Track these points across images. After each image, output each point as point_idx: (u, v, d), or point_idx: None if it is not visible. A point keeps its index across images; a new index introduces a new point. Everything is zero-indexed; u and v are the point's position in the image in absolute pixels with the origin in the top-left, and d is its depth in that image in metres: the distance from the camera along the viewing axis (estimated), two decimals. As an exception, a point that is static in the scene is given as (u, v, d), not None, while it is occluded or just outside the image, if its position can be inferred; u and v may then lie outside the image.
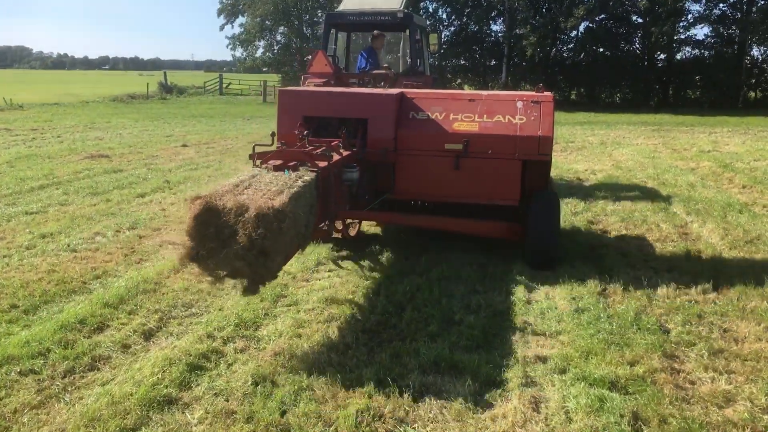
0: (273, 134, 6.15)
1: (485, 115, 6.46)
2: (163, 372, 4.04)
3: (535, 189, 6.53)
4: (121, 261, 6.45)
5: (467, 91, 7.55)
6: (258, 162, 5.46)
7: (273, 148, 5.79)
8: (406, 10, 9.94)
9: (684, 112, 31.27)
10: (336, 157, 5.62)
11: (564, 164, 13.25)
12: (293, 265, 6.31)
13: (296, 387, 3.92)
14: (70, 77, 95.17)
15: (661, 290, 5.72)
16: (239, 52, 42.94)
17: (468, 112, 6.53)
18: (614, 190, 10.17)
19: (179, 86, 46.92)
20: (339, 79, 9.01)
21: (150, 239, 7.26)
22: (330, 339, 4.63)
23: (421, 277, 6.01)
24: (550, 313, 5.20)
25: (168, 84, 45.81)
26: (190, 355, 4.29)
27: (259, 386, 3.94)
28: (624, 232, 7.78)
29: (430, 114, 6.54)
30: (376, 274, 6.11)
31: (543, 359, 4.37)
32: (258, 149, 5.72)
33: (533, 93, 6.65)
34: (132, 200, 9.26)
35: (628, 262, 6.57)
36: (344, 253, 6.87)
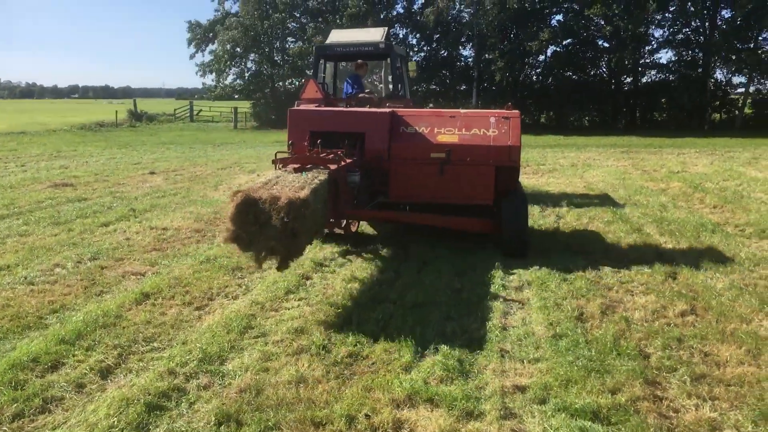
0: (291, 144, 7.45)
1: (464, 129, 7.68)
2: (120, 414, 3.79)
3: (506, 190, 7.68)
4: (80, 293, 6.16)
5: (447, 110, 8.87)
6: (279, 165, 6.88)
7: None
8: (387, 41, 10.98)
9: (651, 134, 31.68)
10: (344, 160, 6.88)
11: (536, 186, 13.21)
12: (261, 294, 6.11)
13: (262, 426, 3.70)
14: (38, 106, 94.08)
15: (639, 313, 5.61)
16: (209, 80, 42.75)
17: (449, 126, 7.74)
18: (587, 212, 10.10)
19: (149, 114, 46.48)
20: (329, 104, 9.68)
21: (112, 270, 6.98)
22: (299, 373, 4.41)
23: (395, 304, 5.83)
24: (527, 339, 5.04)
25: (138, 111, 45.31)
26: (149, 394, 4.03)
27: (222, 426, 3.72)
28: (598, 254, 7.68)
29: (417, 128, 7.75)
30: (348, 302, 5.90)
31: (522, 389, 4.20)
32: (279, 155, 7.16)
33: (504, 111, 7.92)
34: (95, 229, 8.95)
35: (604, 284, 6.46)
36: (315, 279, 6.67)
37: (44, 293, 6.13)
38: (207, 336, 5.03)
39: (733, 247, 7.86)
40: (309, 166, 6.53)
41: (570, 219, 9.66)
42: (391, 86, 11.69)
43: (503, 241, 7.66)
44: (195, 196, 12.03)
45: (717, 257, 7.38)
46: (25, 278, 6.58)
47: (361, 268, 7.09)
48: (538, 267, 7.01)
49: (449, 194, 7.68)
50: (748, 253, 7.54)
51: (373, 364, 4.63)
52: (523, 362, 4.63)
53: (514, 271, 6.98)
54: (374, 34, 11.44)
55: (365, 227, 9.29)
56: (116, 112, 41.67)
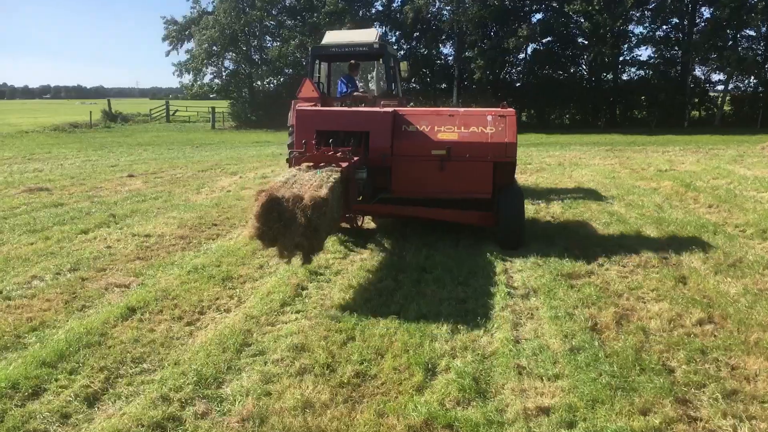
0: (304, 143, 7.57)
1: (463, 127, 8.01)
2: (111, 450, 3.43)
3: (503, 185, 8.03)
4: (61, 309, 5.76)
5: (446, 108, 9.71)
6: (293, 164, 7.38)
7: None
8: (381, 42, 11.30)
9: (632, 131, 31.74)
10: (352, 158, 7.27)
11: (527, 186, 12.95)
12: (255, 306, 5.76)
13: (270, 461, 3.36)
14: (9, 107, 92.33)
15: (655, 323, 5.35)
16: (186, 79, 41.99)
17: (449, 124, 8.08)
18: (583, 214, 9.86)
19: (124, 114, 45.62)
20: (324, 102, 9.98)
21: (94, 282, 6.57)
22: (304, 396, 4.07)
23: (398, 316, 5.50)
24: (543, 353, 4.74)
25: (112, 112, 44.46)
26: (142, 425, 3.69)
27: (226, 462, 3.37)
28: (603, 257, 7.41)
29: (418, 127, 8.07)
30: (348, 314, 5.57)
31: (546, 410, 3.90)
32: (294, 155, 7.64)
33: (500, 109, 8.22)
34: (74, 237, 8.51)
35: (613, 291, 6.19)
36: (311, 289, 6.32)
37: (22, 309, 5.72)
38: (201, 355, 4.67)
39: (737, 249, 7.65)
40: (322, 164, 7.00)
41: (566, 221, 9.41)
42: (384, 85, 12.08)
43: (501, 233, 8.00)
44: (177, 200, 11.60)
45: (724, 260, 7.16)
46: (1, 292, 6.16)
47: (357, 276, 6.75)
48: (541, 273, 6.75)
49: (450, 189, 8.01)
50: (755, 256, 7.33)
51: (382, 384, 4.30)
52: (542, 380, 4.33)
53: (517, 277, 6.71)
54: (368, 35, 11.89)
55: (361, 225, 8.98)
56: (90, 112, 40.74)
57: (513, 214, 7.92)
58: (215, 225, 9.40)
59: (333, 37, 12.04)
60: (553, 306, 5.74)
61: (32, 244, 8.13)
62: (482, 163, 7.88)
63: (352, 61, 11.67)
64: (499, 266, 7.05)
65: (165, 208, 10.65)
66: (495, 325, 5.32)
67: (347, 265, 7.24)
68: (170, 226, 9.15)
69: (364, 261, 7.37)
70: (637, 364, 4.51)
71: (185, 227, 9.13)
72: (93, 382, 4.28)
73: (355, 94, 11.00)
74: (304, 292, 6.23)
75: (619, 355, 4.66)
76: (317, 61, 11.95)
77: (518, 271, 6.93)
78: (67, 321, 5.45)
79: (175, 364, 4.58)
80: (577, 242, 8.14)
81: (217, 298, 6.07)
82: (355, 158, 7.44)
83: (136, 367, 4.57)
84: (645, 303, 5.90)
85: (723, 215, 9.83)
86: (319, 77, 12.11)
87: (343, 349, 4.83)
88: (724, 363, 4.58)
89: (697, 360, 4.62)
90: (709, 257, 7.30)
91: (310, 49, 12.40)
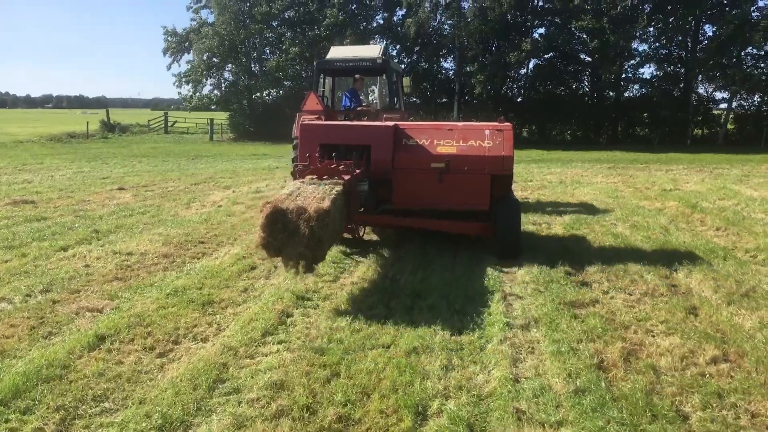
0: (308, 156, 7.95)
1: (461, 141, 8.23)
2: None
3: (501, 196, 8.25)
4: (25, 336, 5.34)
5: (445, 122, 9.78)
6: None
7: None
8: (384, 57, 11.77)
9: (634, 149, 31.38)
10: (354, 171, 7.51)
11: (527, 205, 12.57)
12: (235, 335, 5.35)
13: None
14: (10, 115, 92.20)
15: (666, 360, 4.94)
16: (185, 90, 41.68)
17: (448, 138, 8.30)
18: (587, 236, 9.45)
19: (122, 125, 45.25)
20: (328, 116, 10.28)
21: (65, 305, 6.15)
22: (279, 445, 3.65)
23: (387, 350, 5.09)
24: (544, 395, 4.33)
25: (111, 122, 44.13)
26: (93, 481, 3.26)
27: None
28: (607, 285, 7.01)
29: (418, 141, 8.29)
30: (334, 347, 5.15)
31: (548, 466, 3.48)
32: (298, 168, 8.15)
33: (497, 123, 8.38)
34: (52, 255, 8.10)
35: (619, 323, 5.78)
36: (296, 316, 5.91)
37: (-18, 335, 5.31)
38: (169, 393, 4.25)
39: (750, 277, 7.24)
40: (325, 176, 7.20)
41: (568, 243, 9.00)
42: (387, 99, 12.47)
43: (499, 244, 8.21)
44: (165, 215, 11.20)
45: (736, 289, 6.75)
46: (-37, 316, 5.75)
47: (347, 302, 6.33)
48: (543, 301, 6.34)
49: (449, 201, 8.24)
50: (769, 285, 6.93)
51: (367, 430, 3.88)
52: (544, 426, 3.92)
53: (517, 305, 6.30)
54: (372, 51, 12.29)
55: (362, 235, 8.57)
56: (87, 123, 40.38)
57: (510, 225, 8.11)
58: (202, 243, 8.99)
59: (337, 52, 12.43)
60: (555, 339, 5.32)
61: (7, 261, 7.73)
62: (480, 176, 8.09)
63: (357, 76, 11.99)
64: (497, 293, 6.64)
65: (152, 224, 10.24)
66: (492, 361, 4.90)
67: (337, 290, 6.83)
68: (155, 244, 8.74)
69: (355, 285, 6.96)
70: (648, 409, 4.09)
71: (170, 245, 8.73)
72: (47, 424, 3.87)
73: (359, 108, 11.21)
74: (288, 320, 5.82)
75: (628, 398, 4.24)
76: (322, 75, 12.31)
77: (518, 299, 6.52)
78: (30, 350, 5.03)
79: (140, 403, 4.17)
80: (581, 267, 7.74)
81: (195, 325, 5.66)
82: (357, 171, 7.62)
83: (96, 406, 4.15)
84: (654, 337, 5.49)
85: (732, 239, 9.43)
86: (323, 91, 12.45)
87: (325, 388, 4.41)
88: (743, 409, 4.16)
89: (714, 405, 4.20)
90: (720, 286, 6.89)
91: (315, 63, 12.67)
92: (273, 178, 17.06)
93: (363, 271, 7.53)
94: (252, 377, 4.57)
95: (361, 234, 9.35)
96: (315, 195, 6.38)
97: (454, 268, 7.69)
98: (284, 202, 6.07)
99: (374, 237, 9.64)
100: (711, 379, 4.61)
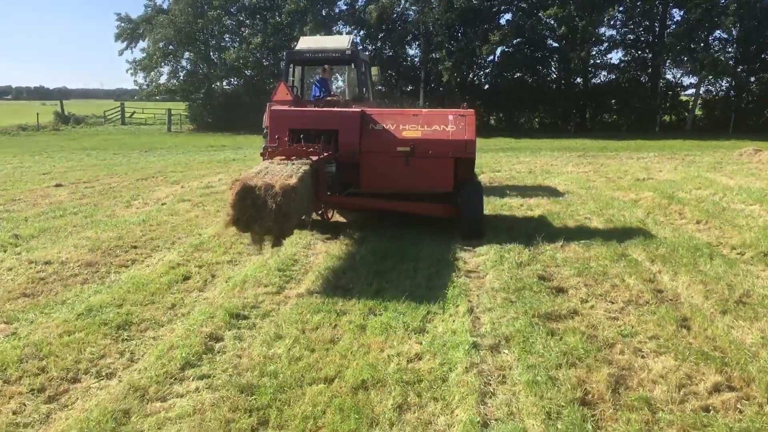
0: (277, 138, 8.28)
1: (426, 126, 8.57)
2: None
3: (464, 179, 8.59)
4: None
5: (410, 109, 10.23)
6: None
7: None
8: (353, 48, 12.23)
9: (602, 136, 30.93)
10: (323, 153, 7.81)
11: (496, 198, 11.79)
12: (149, 367, 4.44)
13: None
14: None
15: (660, 389, 4.17)
16: (141, 78, 40.05)
17: (413, 123, 8.63)
18: (560, 232, 8.68)
19: (77, 116, 43.52)
20: (298, 105, 10.19)
21: (-48, 331, 5.17)
22: None
23: (330, 385, 4.23)
24: (519, 445, 3.51)
25: (65, 113, 42.42)
26: None
27: None
28: (585, 291, 6.23)
29: (384, 125, 8.61)
30: (267, 381, 4.27)
31: None
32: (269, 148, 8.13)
33: (460, 110, 8.77)
34: (-44, 266, 7.08)
35: (603, 340, 5.00)
36: (227, 340, 5.01)
37: None
38: (46, 458, 3.34)
39: (741, 279, 6.51)
40: (293, 157, 7.52)
41: (542, 241, 8.20)
42: (356, 89, 12.83)
43: (462, 224, 8.46)
44: (101, 214, 10.18)
45: (729, 295, 6.01)
46: None
47: (289, 320, 5.45)
48: (515, 313, 5.53)
49: (414, 184, 8.54)
50: (764, 288, 6.21)
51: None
52: (519, 492, 3.10)
53: (485, 319, 5.48)
54: (341, 42, 12.75)
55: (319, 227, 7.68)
56: (37, 114, 38.57)
57: (473, 207, 8.42)
58: (134, 248, 8.02)
59: (307, 42, 12.88)
60: (530, 365, 4.51)
61: None
62: (444, 159, 8.41)
63: (326, 66, 12.29)
64: (463, 304, 5.80)
65: (82, 226, 9.22)
66: (457, 397, 4.07)
67: (280, 303, 5.94)
68: (80, 250, 7.75)
69: (301, 298, 6.06)
70: (647, 463, 3.30)
71: (97, 251, 7.74)
72: None
73: (328, 98, 11.40)
74: (217, 345, 4.92)
75: (622, 448, 3.44)
76: (291, 65, 12.61)
77: (487, 311, 5.70)
78: None
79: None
80: (555, 269, 6.96)
81: (103, 356, 4.73)
82: (326, 153, 7.95)
83: (-52, 479, 3.23)
84: (644, 358, 4.71)
85: (715, 233, 8.74)
86: (293, 81, 12.70)
87: (249, 444, 3.54)
88: (762, 459, 3.39)
89: (726, 455, 3.42)
90: (710, 291, 6.14)
91: (284, 53, 13.01)
92: (227, 172, 16.03)
93: (312, 280, 6.64)
94: (158, 429, 3.68)
95: (329, 216, 9.63)
96: (283, 173, 6.57)
97: (415, 275, 6.84)
98: (253, 179, 6.24)
99: (342, 219, 9.95)
100: (716, 415, 3.85)
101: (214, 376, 4.37)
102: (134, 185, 13.74)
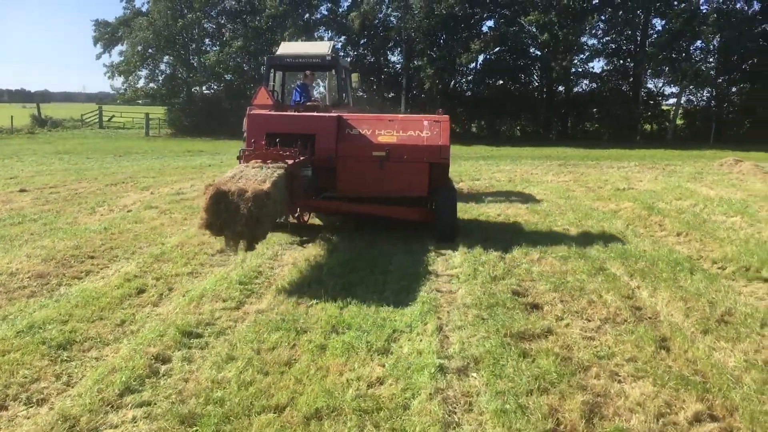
0: (253, 142, 8.26)
1: (401, 131, 8.72)
2: None
3: (439, 184, 8.70)
4: None
5: (386, 114, 9.80)
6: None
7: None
8: (333, 54, 12.23)
9: (584, 144, 30.83)
10: (299, 157, 7.88)
11: (474, 208, 11.50)
12: (85, 393, 4.08)
13: None
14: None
15: (638, 419, 3.90)
16: (118, 82, 39.40)
17: (388, 128, 8.76)
18: (537, 244, 8.38)
19: (54, 119, 42.75)
20: (278, 110, 10.28)
21: None
22: None
23: (281, 414, 3.88)
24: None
25: (42, 117, 41.64)
26: None
27: None
28: (561, 307, 5.93)
29: (360, 130, 8.75)
30: (211, 410, 3.91)
31: None
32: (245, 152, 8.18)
33: (435, 116, 8.96)
34: None
35: (577, 362, 4.70)
36: (175, 361, 4.65)
37: None
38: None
39: (723, 296, 6.25)
40: (269, 161, 7.51)
41: (518, 254, 7.91)
42: (336, 95, 12.92)
43: (437, 228, 8.62)
44: (62, 222, 9.75)
45: (710, 313, 5.75)
46: None
47: (245, 339, 5.08)
48: (485, 332, 5.22)
49: (390, 188, 8.64)
50: (746, 306, 5.95)
51: None
52: None
53: (455, 338, 5.16)
54: (321, 47, 12.91)
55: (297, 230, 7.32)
56: (11, 117, 37.71)
57: (447, 211, 8.56)
58: (92, 258, 7.62)
59: (288, 47, 12.99)
60: (499, 390, 4.20)
61: None
62: (419, 164, 8.53)
63: (307, 72, 12.35)
64: (432, 322, 5.48)
65: (40, 234, 8.80)
66: (418, 428, 3.75)
67: (238, 320, 5.58)
68: (32, 260, 7.34)
69: (261, 314, 5.70)
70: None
71: (51, 261, 7.34)
72: None
73: (308, 103, 11.38)
74: (163, 368, 4.54)
75: (595, 489, 3.13)
76: (272, 70, 12.59)
77: (457, 329, 5.38)
78: None
79: None
80: (530, 284, 6.67)
81: (37, 379, 4.34)
82: (302, 158, 7.99)
83: None
84: (621, 383, 4.41)
85: (696, 246, 8.50)
86: (273, 85, 12.70)
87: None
88: (747, 502, 3.10)
89: (709, 497, 3.12)
90: (691, 308, 5.87)
91: (265, 58, 12.98)
92: (201, 178, 15.59)
93: (274, 294, 6.28)
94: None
95: (305, 219, 9.75)
96: (257, 178, 6.65)
97: (384, 289, 6.51)
98: (227, 184, 6.34)
99: (318, 222, 10.14)
100: (698, 450, 3.55)
101: (154, 404, 4.00)
102: (102, 191, 13.29)
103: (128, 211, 10.81)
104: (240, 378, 4.36)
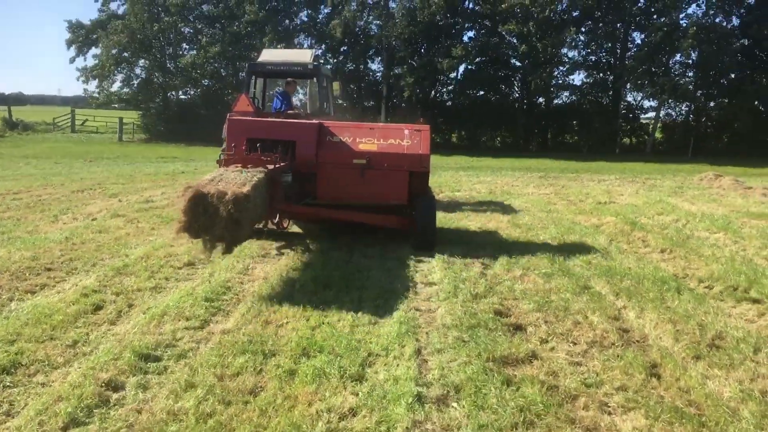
0: (234, 146, 8.23)
1: (382, 139, 8.75)
2: None
3: (418, 193, 8.75)
4: None
5: (367, 123, 10.06)
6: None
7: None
8: (315, 63, 12.20)
9: (563, 156, 30.78)
10: (279, 163, 7.87)
11: (454, 220, 11.20)
12: (23, 429, 3.66)
13: None
14: None
15: (632, 458, 3.54)
16: (92, 86, 38.79)
17: (369, 137, 8.79)
18: (519, 260, 8.09)
19: (26, 122, 41.87)
20: (259, 117, 9.94)
21: None
22: None
23: (242, 452, 3.50)
24: None
25: (13, 120, 40.76)
26: None
27: None
28: (545, 329, 5.62)
29: (341, 138, 8.73)
30: (166, 446, 3.53)
31: None
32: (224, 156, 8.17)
33: (416, 125, 8.99)
34: None
35: (564, 391, 4.37)
36: (129, 388, 4.24)
37: None
38: None
39: (712, 318, 5.98)
40: (249, 165, 7.43)
41: (499, 271, 7.61)
42: (317, 103, 12.94)
43: (416, 235, 8.66)
44: (21, 230, 9.28)
45: (701, 336, 5.47)
46: None
47: (207, 364, 4.69)
48: (467, 357, 4.89)
49: (370, 195, 8.67)
50: (738, 330, 5.67)
51: None
52: None
53: (434, 362, 4.82)
54: (303, 56, 12.81)
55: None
56: (-21, 120, 36.98)
57: (427, 219, 8.61)
58: (49, 269, 7.17)
59: (270, 55, 12.87)
60: (482, 423, 3.87)
61: None
62: (399, 172, 8.57)
63: (288, 80, 12.39)
64: (410, 344, 5.13)
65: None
66: (392, 468, 3.39)
67: (201, 341, 5.19)
68: (-16, 272, 6.88)
69: (226, 335, 5.31)
70: None
71: (5, 273, 6.88)
72: None
73: (289, 111, 11.42)
74: (114, 396, 4.14)
75: None
76: (253, 77, 12.58)
77: (436, 352, 5.04)
78: None
79: None
80: (513, 303, 6.36)
81: (-26, 409, 3.93)
82: (281, 163, 7.95)
83: None
84: (611, 415, 4.10)
85: (681, 264, 8.25)
86: (254, 92, 12.67)
87: None
88: None
89: None
90: (680, 331, 5.58)
91: (247, 65, 13.11)
92: (173, 186, 15.15)
93: (242, 312, 5.88)
94: None
95: (284, 225, 9.72)
96: (236, 181, 6.58)
97: (360, 307, 6.14)
98: (206, 187, 6.27)
99: (298, 230, 10.05)
100: (698, 495, 3.23)
101: (102, 436, 3.61)
102: (67, 197, 12.79)
103: (93, 220, 10.35)
104: (198, 409, 3.97)
